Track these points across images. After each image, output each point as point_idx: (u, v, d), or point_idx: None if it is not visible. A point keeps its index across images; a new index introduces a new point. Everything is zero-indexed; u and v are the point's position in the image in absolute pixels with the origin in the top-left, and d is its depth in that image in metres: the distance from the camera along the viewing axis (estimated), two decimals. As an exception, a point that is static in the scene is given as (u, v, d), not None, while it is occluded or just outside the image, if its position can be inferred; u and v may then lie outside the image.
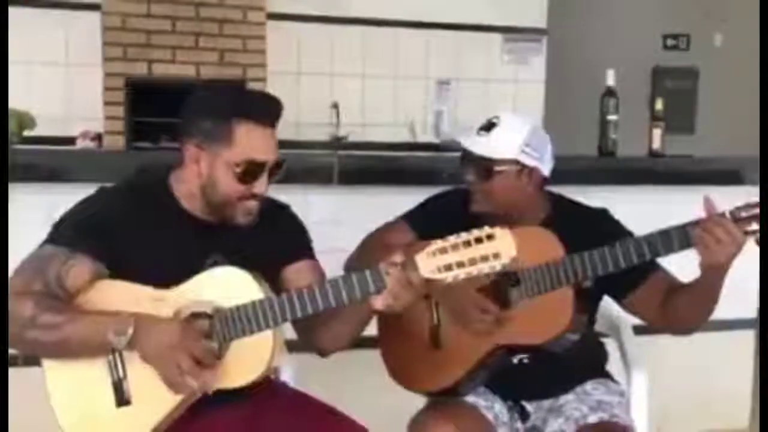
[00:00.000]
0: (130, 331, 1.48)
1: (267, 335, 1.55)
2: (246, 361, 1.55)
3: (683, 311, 1.72)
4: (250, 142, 1.58)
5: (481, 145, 1.79)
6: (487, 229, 1.42)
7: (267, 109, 1.63)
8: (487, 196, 1.80)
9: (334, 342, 1.70)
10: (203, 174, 1.61)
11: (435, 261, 1.44)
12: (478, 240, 1.41)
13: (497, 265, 1.42)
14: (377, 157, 3.41)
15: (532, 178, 1.81)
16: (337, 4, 4.93)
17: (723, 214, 1.56)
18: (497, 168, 1.78)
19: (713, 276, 1.60)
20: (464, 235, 1.42)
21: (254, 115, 1.59)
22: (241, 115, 1.58)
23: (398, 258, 1.48)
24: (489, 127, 1.82)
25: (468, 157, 1.83)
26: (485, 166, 1.79)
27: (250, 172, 1.59)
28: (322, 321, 1.64)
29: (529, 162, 1.80)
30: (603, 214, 1.87)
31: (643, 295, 1.78)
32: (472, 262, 1.41)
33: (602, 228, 1.79)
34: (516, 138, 1.79)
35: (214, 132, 1.58)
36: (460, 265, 1.42)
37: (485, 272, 1.43)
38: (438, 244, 1.44)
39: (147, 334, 1.49)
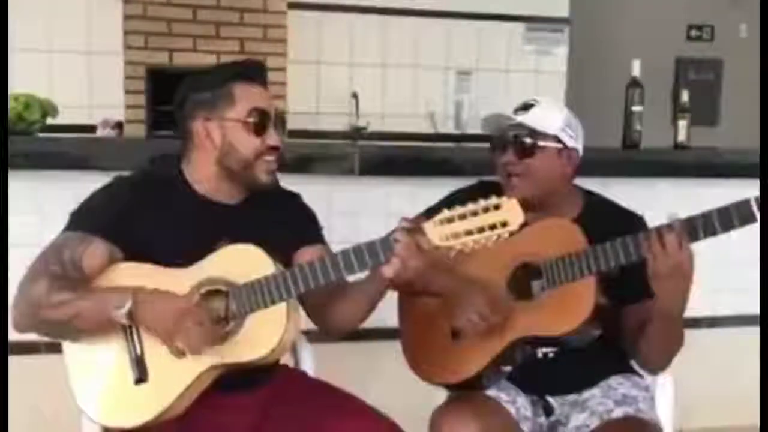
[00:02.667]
0: (129, 304, 1.49)
1: (281, 309, 1.56)
2: (261, 335, 1.56)
3: (648, 334, 1.69)
4: (251, 95, 1.66)
5: (524, 119, 1.76)
6: (494, 199, 1.43)
7: (255, 70, 1.72)
8: (525, 177, 1.76)
9: (346, 320, 1.71)
10: (218, 143, 1.66)
11: (443, 229, 1.45)
12: (486, 209, 1.42)
13: (505, 233, 1.42)
14: (398, 147, 3.39)
15: (571, 160, 1.79)
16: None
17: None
18: (541, 143, 1.75)
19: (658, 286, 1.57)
20: (471, 206, 1.43)
21: (246, 75, 1.69)
22: (235, 77, 1.67)
23: (407, 224, 1.49)
24: (526, 107, 1.79)
25: (504, 136, 1.79)
26: (527, 143, 1.75)
27: (260, 121, 1.65)
28: (334, 297, 1.66)
29: (569, 142, 1.77)
30: (638, 220, 1.81)
31: (636, 312, 1.74)
32: (480, 230, 1.42)
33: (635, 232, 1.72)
34: (556, 116, 1.78)
35: (215, 100, 1.66)
36: (469, 233, 1.43)
37: (493, 240, 1.43)
38: (445, 213, 1.45)
39: (150, 306, 1.51)
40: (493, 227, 1.42)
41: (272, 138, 1.67)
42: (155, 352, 1.55)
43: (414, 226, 1.49)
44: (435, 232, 1.45)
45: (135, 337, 1.56)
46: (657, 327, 1.65)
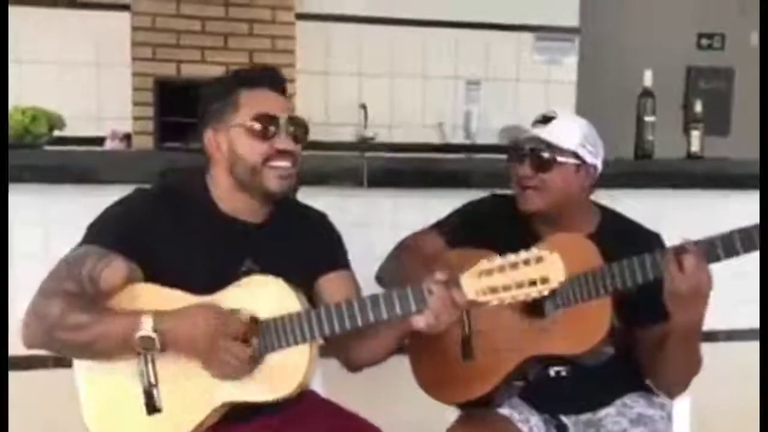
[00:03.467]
0: (150, 326, 1.44)
1: (303, 349, 1.51)
2: (280, 375, 1.51)
3: (664, 356, 1.65)
4: (256, 101, 1.60)
5: (543, 133, 1.73)
6: (535, 251, 1.35)
7: (264, 75, 1.66)
8: (540, 192, 1.73)
9: (368, 358, 1.66)
10: (225, 152, 1.61)
11: (480, 282, 1.38)
12: (527, 262, 1.35)
13: (545, 291, 1.35)
14: (407, 159, 3.37)
15: (588, 176, 1.75)
16: (366, 3, 4.90)
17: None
18: (559, 158, 1.71)
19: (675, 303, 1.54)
20: (512, 257, 1.36)
21: (252, 81, 1.63)
22: (241, 84, 1.62)
23: (442, 277, 1.43)
24: (546, 120, 1.76)
25: (522, 149, 1.75)
26: (545, 157, 1.71)
27: (264, 126, 1.58)
28: (357, 336, 1.60)
29: (588, 158, 1.74)
30: (655, 239, 1.76)
31: (644, 338, 1.71)
32: (519, 285, 1.35)
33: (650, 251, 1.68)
34: (576, 131, 1.74)
35: (222, 109, 1.61)
36: (507, 288, 1.36)
37: (532, 297, 1.37)
38: (484, 265, 1.37)
39: (178, 326, 1.46)
40: (533, 283, 1.35)
41: (282, 142, 1.59)
42: (173, 382, 1.50)
43: (450, 278, 1.42)
44: (471, 284, 1.39)
45: (150, 365, 1.50)
46: (673, 348, 1.61)
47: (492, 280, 1.37)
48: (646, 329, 1.71)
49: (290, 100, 1.66)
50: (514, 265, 1.35)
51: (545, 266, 1.34)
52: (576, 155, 1.73)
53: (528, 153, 1.74)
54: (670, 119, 3.34)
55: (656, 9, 5.95)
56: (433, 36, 5.07)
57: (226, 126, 1.60)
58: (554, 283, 1.34)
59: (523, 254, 1.35)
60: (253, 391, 1.51)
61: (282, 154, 1.59)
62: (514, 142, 1.79)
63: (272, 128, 1.59)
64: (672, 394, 1.78)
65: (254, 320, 1.50)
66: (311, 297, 1.66)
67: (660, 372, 1.70)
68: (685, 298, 1.50)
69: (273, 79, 1.65)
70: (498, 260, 1.37)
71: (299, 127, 1.62)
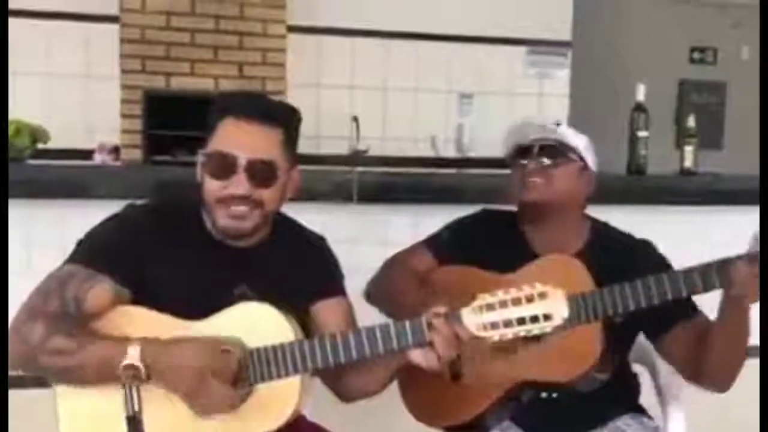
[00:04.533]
0: (137, 354, 1.38)
1: (294, 381, 1.46)
2: (270, 407, 1.46)
3: (715, 354, 1.60)
4: (226, 135, 1.51)
5: (553, 132, 1.75)
6: (539, 287, 1.32)
7: (248, 104, 1.55)
8: (546, 183, 1.72)
9: (361, 391, 1.61)
10: (199, 178, 1.55)
11: (481, 318, 1.34)
12: (529, 299, 1.32)
13: (548, 328, 1.32)
14: (397, 173, 3.34)
15: (587, 183, 1.77)
16: (358, 16, 4.89)
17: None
18: (569, 154, 1.74)
19: (737, 309, 1.51)
20: (514, 292, 1.33)
21: (235, 110, 1.52)
22: (225, 112, 1.53)
23: (442, 309, 1.39)
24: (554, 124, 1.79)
25: (530, 146, 1.75)
26: (556, 150, 1.73)
27: (217, 165, 1.50)
28: (351, 368, 1.53)
29: (591, 163, 1.77)
30: (645, 247, 1.77)
31: (676, 338, 1.67)
32: (521, 321, 1.32)
33: (643, 261, 1.69)
34: (581, 138, 1.78)
35: (208, 131, 1.54)
36: (508, 324, 1.32)
37: (534, 333, 1.33)
38: (486, 299, 1.34)
39: (167, 357, 1.40)
40: (534, 320, 1.32)
41: (236, 186, 1.49)
42: (153, 412, 1.45)
43: (450, 313, 1.37)
44: (472, 320, 1.35)
45: (135, 392, 1.44)
46: (728, 325, 1.56)
47: (494, 315, 1.33)
48: (679, 329, 1.67)
49: (278, 132, 1.53)
50: (516, 301, 1.32)
51: (548, 303, 1.32)
52: (582, 158, 1.75)
53: (538, 147, 1.74)
54: (662, 133, 3.33)
55: (649, 23, 5.97)
56: (426, 49, 5.06)
57: (201, 151, 1.54)
58: (557, 321, 1.32)
59: (527, 289, 1.32)
60: (244, 422, 1.45)
61: (235, 198, 1.50)
62: (523, 136, 1.78)
63: (227, 169, 1.49)
64: (722, 388, 1.68)
65: (245, 363, 1.45)
66: (305, 323, 1.61)
67: (711, 361, 1.62)
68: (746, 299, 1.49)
69: (254, 109, 1.53)
70: (500, 294, 1.34)
71: (262, 171, 1.51)
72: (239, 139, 1.51)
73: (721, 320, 1.56)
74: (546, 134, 1.74)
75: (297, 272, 1.60)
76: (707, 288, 1.51)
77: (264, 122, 1.52)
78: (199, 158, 1.53)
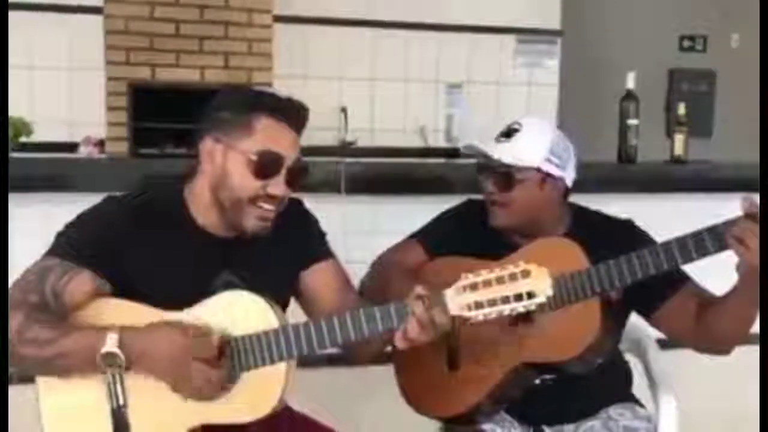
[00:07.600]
0: (113, 340, 1.37)
1: (279, 368, 1.45)
2: (255, 396, 1.45)
3: (721, 325, 1.59)
4: (271, 134, 1.49)
5: (502, 152, 1.68)
6: (522, 265, 1.31)
7: (291, 109, 1.54)
8: (506, 208, 1.70)
9: (364, 359, 1.65)
10: (216, 169, 1.51)
11: (465, 298, 1.34)
12: (513, 277, 1.31)
13: (531, 306, 1.32)
14: (386, 164, 3.32)
15: (555, 188, 1.71)
16: (345, 6, 4.84)
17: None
18: (519, 176, 1.68)
19: (753, 279, 1.47)
20: (497, 271, 1.32)
21: (277, 111, 1.51)
22: (264, 109, 1.50)
23: (422, 291, 1.38)
24: (509, 133, 1.72)
25: (486, 165, 1.72)
26: (505, 176, 1.68)
27: (267, 164, 1.48)
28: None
29: (553, 171, 1.69)
30: (628, 225, 1.76)
31: (674, 309, 1.66)
32: (505, 300, 1.31)
33: (627, 240, 1.66)
34: (539, 145, 1.69)
35: (233, 123, 1.50)
36: (492, 303, 1.32)
37: (518, 311, 1.33)
38: (469, 279, 1.34)
39: (144, 342, 1.39)
40: (518, 298, 1.31)
41: (276, 187, 1.50)
42: (139, 404, 1.43)
43: (430, 295, 1.37)
44: (456, 300, 1.35)
45: (118, 385, 1.43)
46: (740, 303, 1.54)
47: (477, 295, 1.33)
48: (677, 299, 1.66)
49: (297, 135, 1.55)
50: (499, 279, 1.32)
51: (532, 281, 1.31)
52: (539, 170, 1.68)
53: (489, 171, 1.71)
54: (652, 122, 3.31)
55: (638, 11, 5.94)
56: (415, 39, 5.02)
57: (230, 144, 1.50)
58: (541, 298, 1.31)
59: (510, 268, 1.32)
60: (227, 412, 1.44)
61: (271, 198, 1.51)
62: (478, 157, 1.75)
63: (273, 169, 1.49)
64: (726, 350, 1.67)
65: (225, 341, 1.44)
66: (299, 295, 1.62)
67: (722, 324, 1.59)
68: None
69: (295, 115, 1.54)
70: (483, 274, 1.33)
71: (300, 174, 1.54)
72: (283, 140, 1.51)
73: (734, 288, 1.54)
74: (491, 162, 1.69)
75: (279, 247, 1.59)
76: (701, 253, 1.49)
77: (292, 124, 1.53)
78: (237, 153, 1.49)
